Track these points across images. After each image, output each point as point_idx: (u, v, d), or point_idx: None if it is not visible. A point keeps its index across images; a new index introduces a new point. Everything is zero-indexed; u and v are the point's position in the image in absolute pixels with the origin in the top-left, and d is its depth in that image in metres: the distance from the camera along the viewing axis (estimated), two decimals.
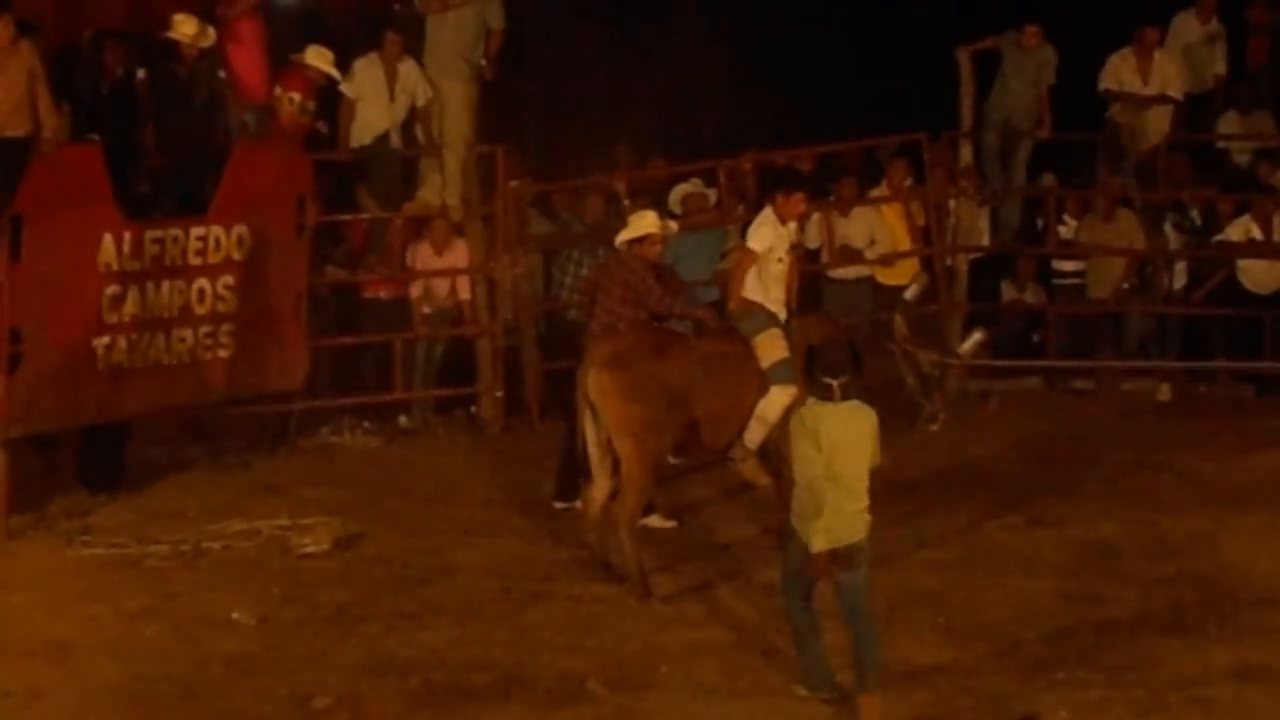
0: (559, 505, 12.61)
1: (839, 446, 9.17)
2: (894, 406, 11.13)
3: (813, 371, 9.34)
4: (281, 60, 14.66)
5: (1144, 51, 16.40)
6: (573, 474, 12.37)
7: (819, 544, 9.16)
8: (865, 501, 9.24)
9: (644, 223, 12.53)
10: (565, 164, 16.50)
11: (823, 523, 9.12)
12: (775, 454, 11.32)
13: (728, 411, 11.34)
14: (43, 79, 12.76)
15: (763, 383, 11.29)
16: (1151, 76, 16.38)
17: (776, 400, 11.23)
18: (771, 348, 11.31)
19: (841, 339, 10.54)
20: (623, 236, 12.56)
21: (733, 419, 11.36)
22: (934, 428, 11.81)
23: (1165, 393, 16.03)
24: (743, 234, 14.43)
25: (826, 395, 9.22)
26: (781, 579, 9.66)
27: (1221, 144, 17.20)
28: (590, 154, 16.82)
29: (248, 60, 14.59)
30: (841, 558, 9.18)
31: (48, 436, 12.88)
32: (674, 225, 13.36)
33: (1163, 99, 16.34)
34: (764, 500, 11.85)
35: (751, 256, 11.50)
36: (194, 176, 13.62)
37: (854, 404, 9.27)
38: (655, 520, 12.29)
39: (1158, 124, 16.44)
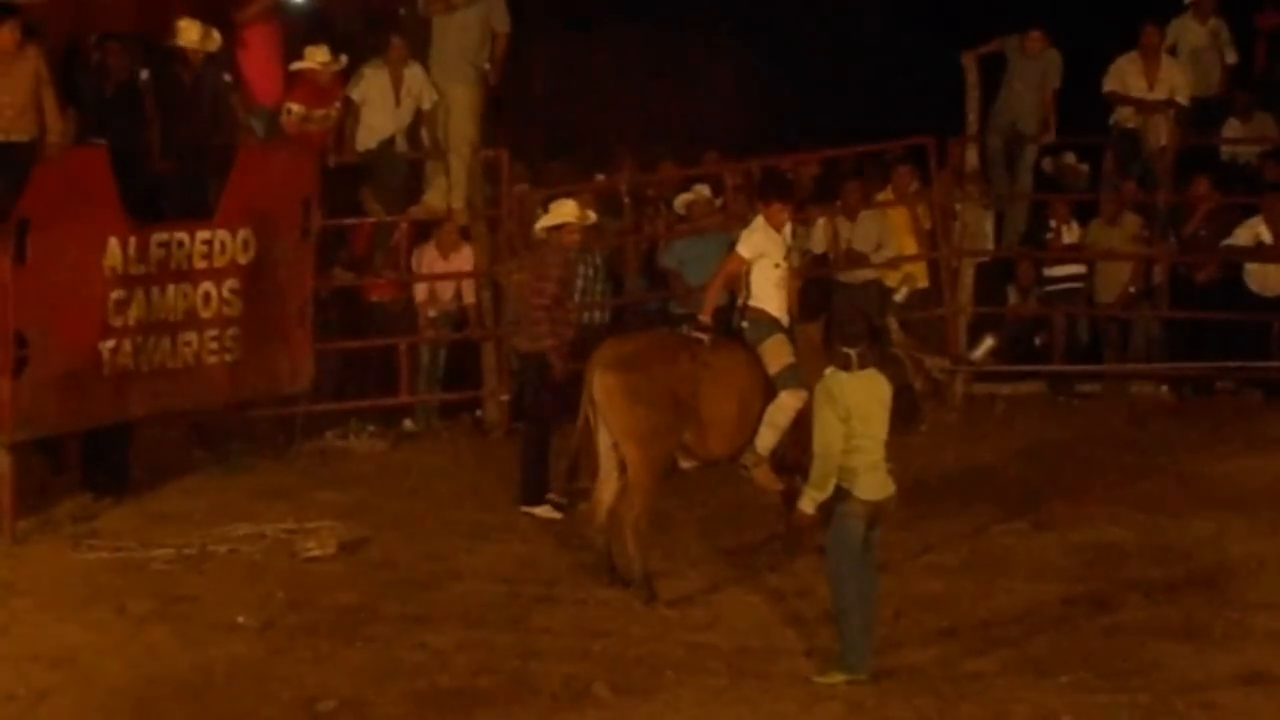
0: (527, 510, 12.71)
1: (859, 412, 9.74)
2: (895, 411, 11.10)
3: (831, 342, 10.08)
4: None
5: (1150, 55, 16.38)
6: (540, 477, 12.68)
7: (808, 505, 9.80)
8: (886, 462, 9.89)
9: (562, 211, 12.81)
10: (570, 169, 16.50)
11: (820, 490, 9.71)
12: (787, 458, 11.33)
13: (735, 417, 11.31)
14: (48, 83, 12.77)
15: (770, 389, 11.26)
16: (1159, 83, 16.37)
17: (786, 405, 11.21)
18: (778, 353, 11.28)
19: (858, 312, 11.00)
20: (542, 223, 12.76)
21: (741, 425, 11.33)
22: (923, 428, 11.83)
23: (1163, 392, 16.05)
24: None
25: (845, 364, 9.79)
26: (833, 559, 9.85)
27: (1226, 149, 17.16)
28: (596, 159, 16.86)
29: (258, 64, 14.59)
30: (884, 511, 9.88)
31: (53, 440, 12.88)
32: (593, 215, 13.41)
33: (1169, 104, 16.32)
34: (771, 505, 11.83)
35: (737, 260, 11.47)
36: (199, 180, 13.63)
37: (871, 372, 9.86)
38: (543, 511, 12.56)
39: (1163, 128, 16.43)
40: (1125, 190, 16.34)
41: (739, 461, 11.46)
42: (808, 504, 9.82)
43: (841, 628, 9.87)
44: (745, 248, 11.46)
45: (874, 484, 9.80)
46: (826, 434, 9.75)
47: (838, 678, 9.77)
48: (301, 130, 14.64)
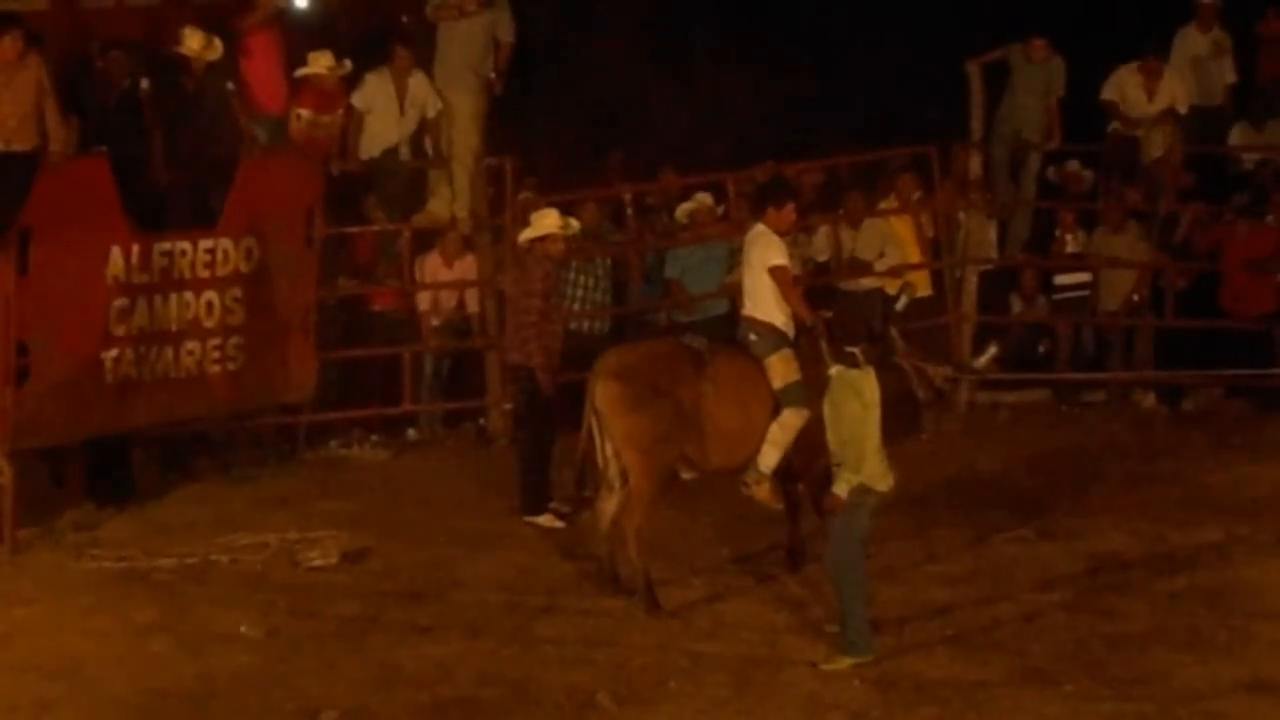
0: (529, 519, 12.69)
1: (871, 405, 10.05)
2: (897, 419, 11.09)
3: (835, 343, 10.32)
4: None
5: (1152, 73, 16.39)
6: (540, 486, 12.69)
7: (843, 490, 10.00)
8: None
9: (545, 222, 12.81)
10: (574, 177, 16.49)
11: (857, 474, 9.96)
12: (792, 466, 11.31)
13: (739, 431, 11.26)
14: (50, 92, 12.77)
15: (775, 404, 11.23)
16: (1159, 95, 16.38)
17: (789, 423, 11.16)
18: (784, 369, 11.23)
19: (855, 311, 11.44)
20: (525, 235, 12.75)
21: (744, 439, 11.28)
22: (925, 437, 11.85)
23: (1151, 401, 16.05)
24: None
25: (854, 362, 10.11)
26: (836, 548, 10.09)
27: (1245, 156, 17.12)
28: (600, 166, 16.85)
29: (261, 72, 14.58)
30: (883, 502, 10.26)
31: (55, 449, 12.87)
32: (575, 224, 13.38)
33: (1169, 114, 16.32)
34: (774, 515, 11.81)
35: (788, 273, 11.47)
36: (202, 189, 13.62)
37: (869, 369, 10.18)
38: (546, 520, 12.55)
39: (1162, 136, 16.42)
40: (1128, 198, 16.33)
41: (740, 479, 11.42)
42: (843, 488, 10.00)
43: (846, 613, 10.07)
44: (782, 258, 11.42)
45: (884, 473, 10.06)
46: (853, 423, 10.01)
47: (845, 663, 9.98)
48: (310, 135, 14.63)
